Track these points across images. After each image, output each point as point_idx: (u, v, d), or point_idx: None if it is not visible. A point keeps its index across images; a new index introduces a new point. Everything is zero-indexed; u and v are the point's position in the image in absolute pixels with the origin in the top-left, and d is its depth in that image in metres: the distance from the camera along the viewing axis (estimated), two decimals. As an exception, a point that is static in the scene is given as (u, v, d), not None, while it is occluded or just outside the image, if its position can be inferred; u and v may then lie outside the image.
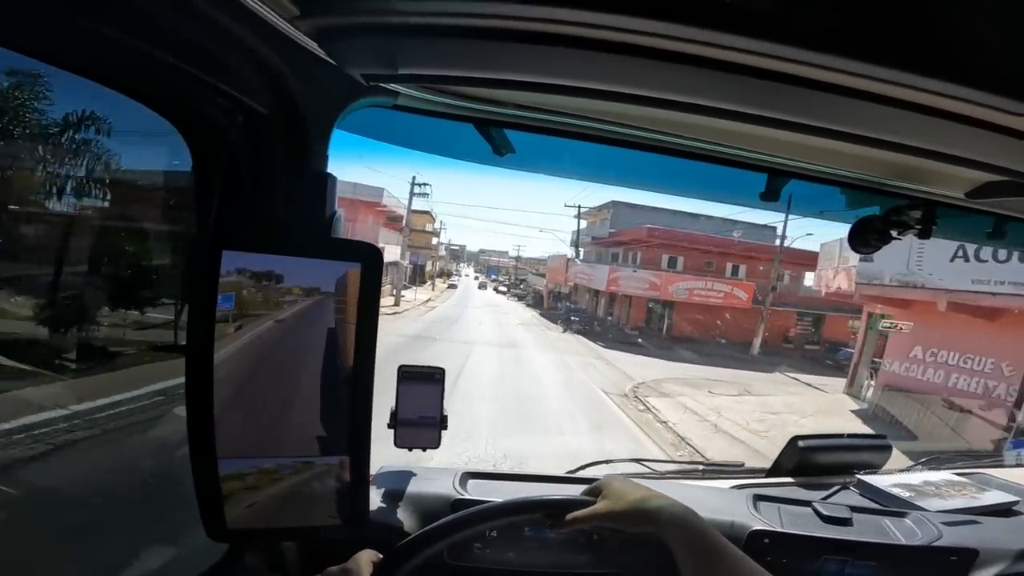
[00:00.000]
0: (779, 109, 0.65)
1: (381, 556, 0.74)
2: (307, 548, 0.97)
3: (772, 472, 1.45)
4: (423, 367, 1.00)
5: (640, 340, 21.00)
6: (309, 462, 0.79)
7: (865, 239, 0.99)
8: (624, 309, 25.91)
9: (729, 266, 25.42)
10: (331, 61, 0.68)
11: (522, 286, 49.17)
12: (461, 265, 79.21)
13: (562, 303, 32.44)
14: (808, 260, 20.40)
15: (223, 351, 0.70)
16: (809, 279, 21.85)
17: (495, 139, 1.00)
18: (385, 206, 25.27)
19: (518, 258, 62.00)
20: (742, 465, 1.51)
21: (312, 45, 0.63)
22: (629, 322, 24.88)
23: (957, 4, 0.44)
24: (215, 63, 0.63)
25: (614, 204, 30.59)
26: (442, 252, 58.51)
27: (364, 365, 0.77)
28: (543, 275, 41.69)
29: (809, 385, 14.74)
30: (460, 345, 15.12)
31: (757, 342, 20.14)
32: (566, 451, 6.58)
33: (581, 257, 33.33)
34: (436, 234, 46.40)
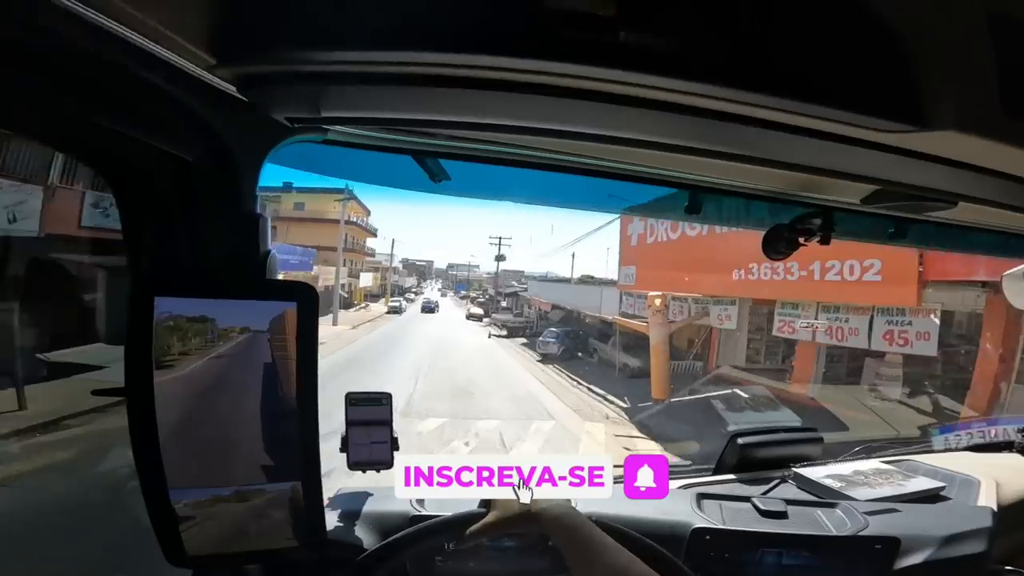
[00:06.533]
0: (694, 138, 0.72)
1: None
2: (272, 571, 0.98)
3: (717, 470, 1.52)
4: (370, 392, 1.03)
5: None
6: (261, 489, 0.81)
7: (776, 246, 1.07)
8: None
9: None
10: (254, 106, 0.69)
11: (505, 302, 29.91)
12: (427, 282, 70.22)
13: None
14: None
15: (166, 390, 0.72)
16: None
17: (431, 168, 1.04)
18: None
19: (500, 259, 36.30)
20: (689, 465, 1.57)
21: (234, 91, 0.64)
22: None
23: (833, 45, 0.52)
24: (134, 113, 0.64)
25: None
26: (395, 264, 44.57)
27: (307, 397, 0.79)
28: (585, 281, 20.95)
29: None
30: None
31: None
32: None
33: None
34: (368, 231, 32.67)
